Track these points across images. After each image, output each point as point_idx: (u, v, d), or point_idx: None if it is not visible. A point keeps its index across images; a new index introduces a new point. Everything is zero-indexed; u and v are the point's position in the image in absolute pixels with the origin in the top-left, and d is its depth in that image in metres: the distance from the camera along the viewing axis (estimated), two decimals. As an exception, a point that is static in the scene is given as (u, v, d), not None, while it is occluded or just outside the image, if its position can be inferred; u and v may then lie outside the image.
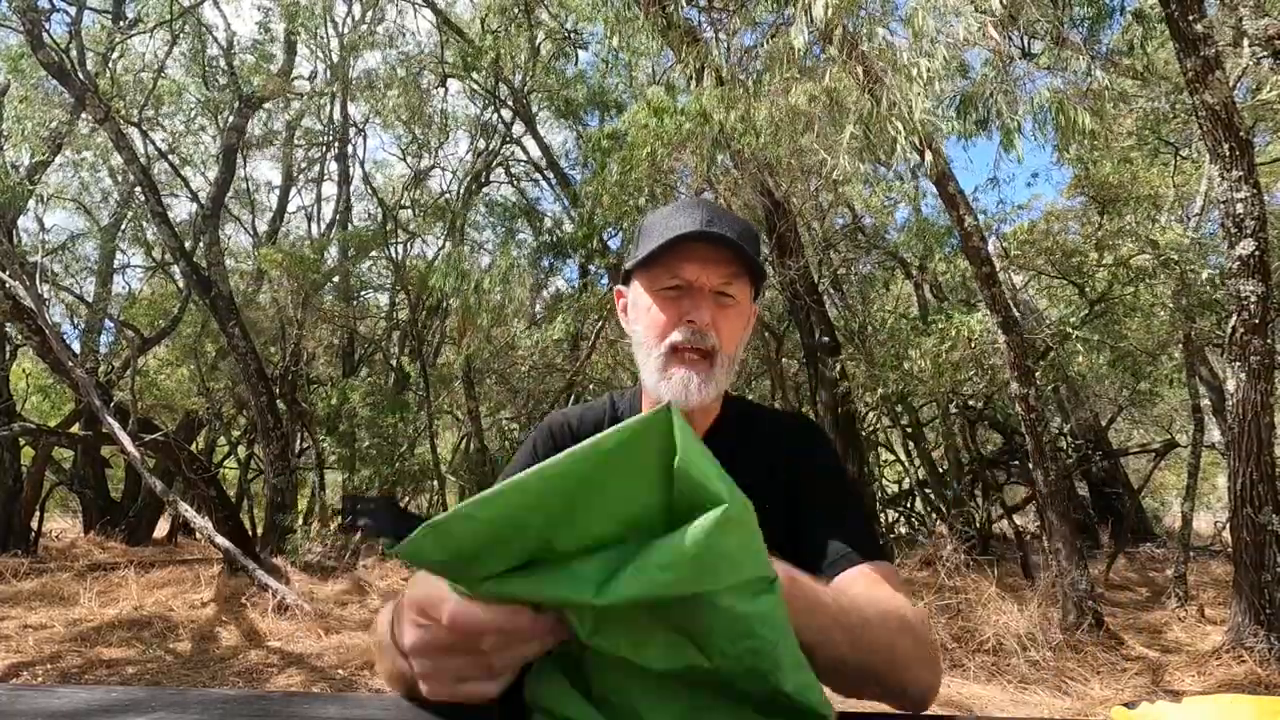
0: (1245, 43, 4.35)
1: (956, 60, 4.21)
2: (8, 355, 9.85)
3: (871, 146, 4.35)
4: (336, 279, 11.10)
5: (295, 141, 12.50)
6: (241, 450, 12.62)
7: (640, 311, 1.00)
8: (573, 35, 10.09)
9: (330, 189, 14.43)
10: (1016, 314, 5.16)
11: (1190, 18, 3.64)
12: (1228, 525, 4.42)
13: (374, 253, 11.53)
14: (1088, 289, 6.96)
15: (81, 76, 7.38)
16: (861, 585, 0.85)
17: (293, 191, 13.11)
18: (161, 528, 11.62)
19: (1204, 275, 5.79)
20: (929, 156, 4.15)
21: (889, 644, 0.69)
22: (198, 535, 8.44)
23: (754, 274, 0.98)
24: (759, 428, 1.05)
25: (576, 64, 10.82)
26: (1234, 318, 3.87)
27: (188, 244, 8.90)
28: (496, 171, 12.36)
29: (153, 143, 9.85)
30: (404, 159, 12.59)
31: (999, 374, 6.07)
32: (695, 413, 1.00)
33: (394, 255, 11.10)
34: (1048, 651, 4.29)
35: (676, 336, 0.95)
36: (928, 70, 3.83)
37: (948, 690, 3.89)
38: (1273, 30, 3.90)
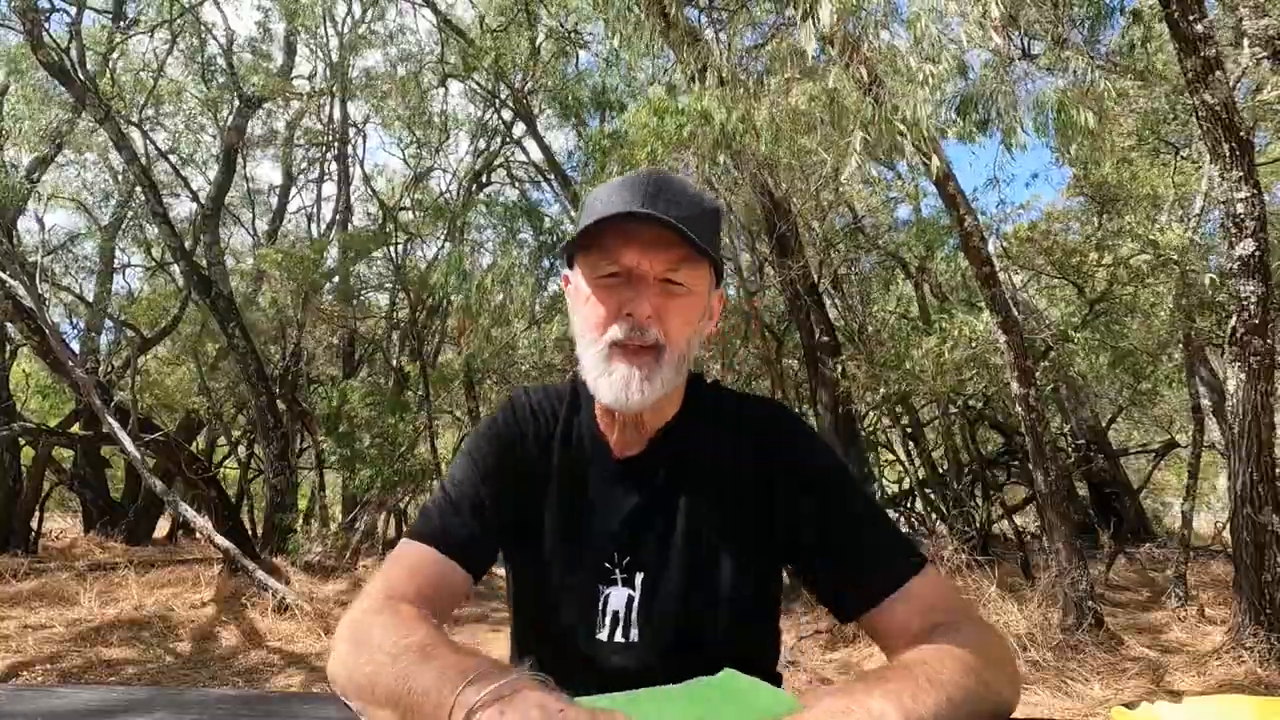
0: (1245, 43, 4.35)
1: (957, 61, 4.20)
2: (8, 355, 9.85)
3: (875, 147, 4.34)
4: (336, 279, 11.10)
5: (295, 141, 12.50)
6: (241, 450, 12.61)
7: (579, 301, 0.90)
8: (572, 35, 10.09)
9: (330, 189, 14.41)
10: (1016, 314, 5.16)
11: (1190, 18, 3.63)
12: (1228, 525, 4.42)
13: (375, 253, 11.52)
14: (1088, 289, 6.96)
15: (81, 76, 7.38)
16: (906, 619, 0.82)
17: (293, 192, 13.12)
18: (161, 528, 11.62)
19: (1205, 277, 5.78)
20: (934, 161, 4.14)
21: (976, 700, 0.69)
22: (198, 535, 8.44)
23: (712, 257, 0.87)
24: (735, 414, 0.97)
25: (577, 64, 10.82)
26: (1234, 318, 3.87)
27: (188, 244, 8.90)
28: (498, 172, 12.37)
29: (153, 143, 9.85)
30: (404, 159, 12.60)
31: (1000, 374, 6.07)
32: (645, 414, 0.92)
33: (394, 256, 11.10)
34: (1048, 652, 4.29)
35: (615, 332, 0.85)
36: (933, 75, 3.82)
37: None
38: (1273, 30, 3.90)
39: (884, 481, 11.54)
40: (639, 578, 0.91)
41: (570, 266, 0.94)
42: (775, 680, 0.97)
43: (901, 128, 3.77)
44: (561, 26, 9.95)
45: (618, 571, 0.91)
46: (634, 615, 0.90)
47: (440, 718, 0.60)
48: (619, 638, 0.90)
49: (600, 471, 0.95)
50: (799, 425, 0.98)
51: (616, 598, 0.91)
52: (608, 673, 0.87)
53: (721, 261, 0.93)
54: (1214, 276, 5.63)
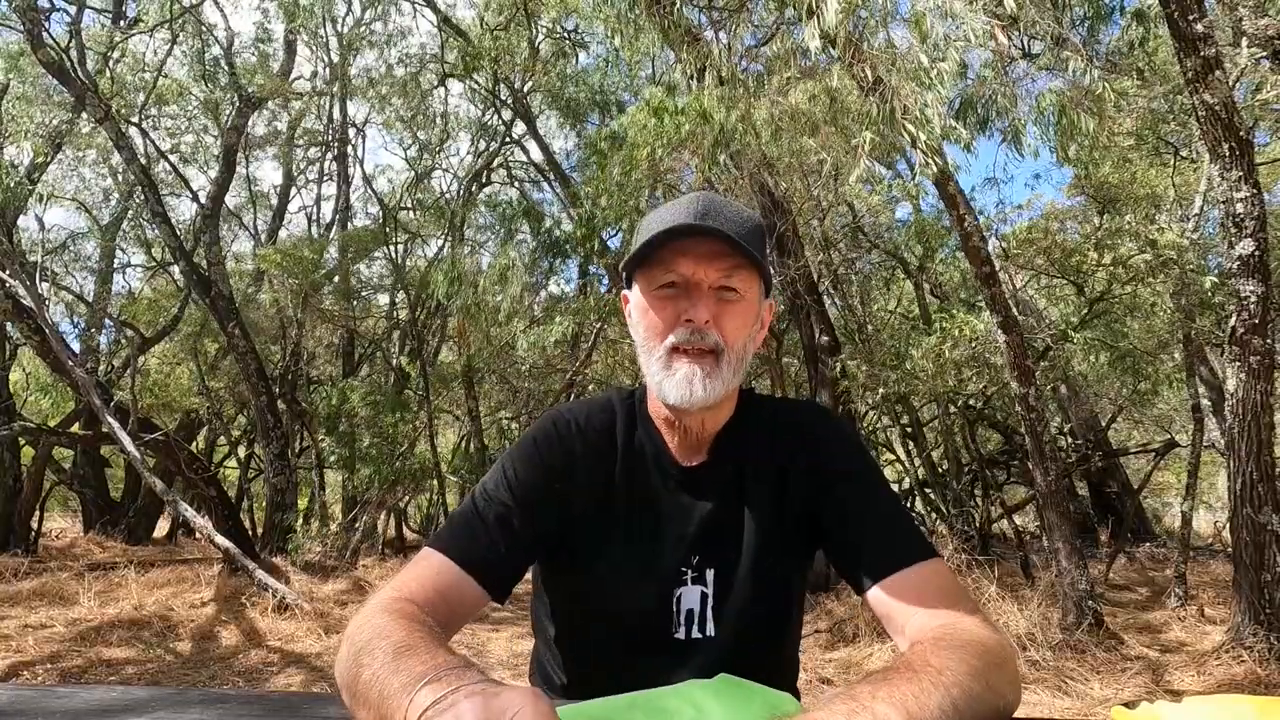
0: (1245, 43, 4.35)
1: (958, 62, 4.19)
2: (8, 355, 9.84)
3: (879, 148, 4.33)
4: (336, 279, 11.09)
5: (295, 141, 12.49)
6: (241, 450, 12.61)
7: (640, 313, 0.95)
8: (571, 36, 10.08)
9: (330, 189, 14.42)
10: (1016, 314, 5.16)
11: (1190, 17, 3.63)
12: (1228, 525, 4.42)
13: (375, 253, 11.52)
14: (1087, 289, 6.96)
15: (81, 76, 7.38)
16: (912, 598, 0.84)
17: (293, 192, 13.11)
18: (161, 527, 11.62)
19: (1205, 280, 5.78)
20: (944, 161, 4.13)
21: (979, 703, 0.68)
22: (198, 535, 8.44)
23: (761, 267, 0.93)
24: (776, 418, 1.02)
25: (576, 64, 10.81)
26: (1234, 318, 3.87)
27: (188, 244, 8.89)
28: (498, 172, 12.36)
29: (153, 142, 9.84)
30: (405, 159, 12.60)
31: (1000, 374, 6.07)
32: (706, 413, 0.96)
33: (394, 256, 11.09)
34: (1048, 651, 4.29)
35: (675, 338, 0.91)
36: (944, 74, 3.81)
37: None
38: (1273, 30, 3.90)
39: (884, 481, 11.49)
40: (710, 574, 0.96)
41: (628, 287, 0.99)
42: (790, 685, 1.03)
43: (911, 128, 3.77)
44: (560, 26, 9.95)
45: (689, 572, 0.96)
46: (709, 611, 0.95)
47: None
48: (695, 633, 0.95)
49: (666, 481, 0.99)
50: (834, 425, 1.05)
51: (689, 596, 0.95)
52: (685, 668, 0.90)
53: (770, 272, 0.99)
54: (1214, 280, 5.63)
